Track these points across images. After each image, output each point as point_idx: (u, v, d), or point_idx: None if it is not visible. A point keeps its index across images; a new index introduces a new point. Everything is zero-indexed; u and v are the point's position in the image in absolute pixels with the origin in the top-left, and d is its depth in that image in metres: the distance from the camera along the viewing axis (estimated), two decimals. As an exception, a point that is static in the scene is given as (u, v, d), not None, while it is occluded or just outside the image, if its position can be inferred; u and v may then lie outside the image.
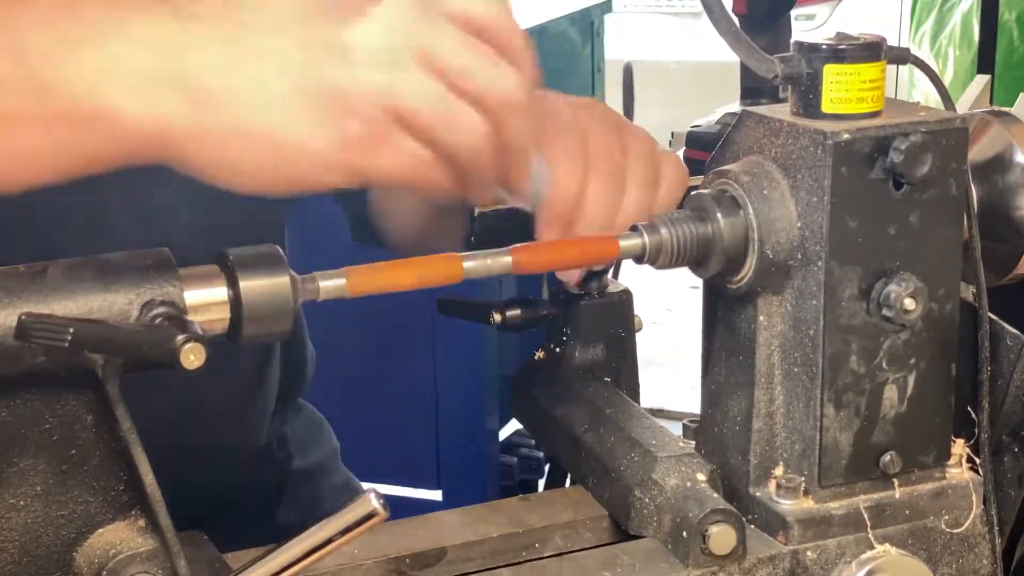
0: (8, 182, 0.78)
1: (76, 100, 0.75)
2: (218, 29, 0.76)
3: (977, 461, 0.86)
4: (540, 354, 1.01)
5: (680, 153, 2.58)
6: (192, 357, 0.70)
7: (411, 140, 0.77)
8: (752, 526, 0.84)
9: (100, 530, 0.76)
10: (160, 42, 0.75)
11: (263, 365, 1.20)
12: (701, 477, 0.84)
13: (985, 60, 3.08)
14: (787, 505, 0.83)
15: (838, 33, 0.82)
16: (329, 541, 0.73)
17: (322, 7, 0.76)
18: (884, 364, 0.83)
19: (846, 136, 0.79)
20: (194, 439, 1.10)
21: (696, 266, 0.84)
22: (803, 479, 0.84)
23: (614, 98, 4.03)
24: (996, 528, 0.87)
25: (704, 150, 2.36)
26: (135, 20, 0.76)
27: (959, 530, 0.85)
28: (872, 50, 0.81)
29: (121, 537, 0.76)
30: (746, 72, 2.40)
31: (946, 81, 3.44)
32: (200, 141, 0.76)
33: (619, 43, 4.68)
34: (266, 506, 1.25)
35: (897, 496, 0.85)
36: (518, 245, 0.82)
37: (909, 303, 0.81)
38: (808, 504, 0.83)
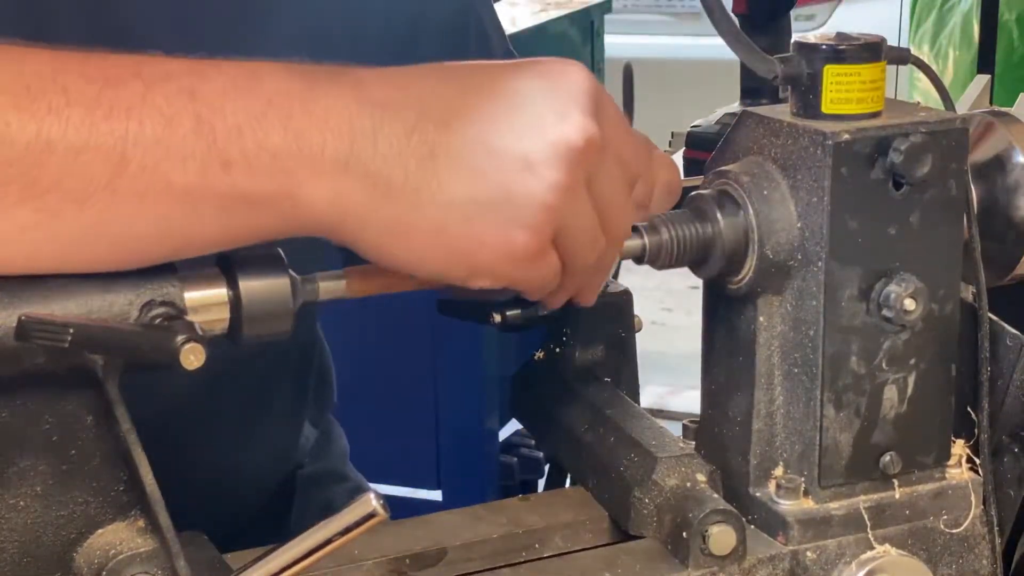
0: (167, 256, 0.75)
1: (257, 178, 0.72)
2: (403, 120, 0.74)
3: (977, 461, 0.86)
4: (540, 354, 1.01)
5: (680, 153, 2.58)
6: (192, 357, 0.70)
7: (556, 256, 0.78)
8: (752, 526, 0.84)
9: (100, 530, 0.76)
10: (345, 126, 0.73)
11: (275, 376, 1.20)
12: (701, 477, 0.84)
13: (985, 60, 3.08)
14: (787, 505, 0.83)
15: (838, 34, 0.82)
16: (329, 541, 0.73)
17: (509, 118, 0.76)
18: (884, 364, 0.83)
19: (846, 136, 0.79)
20: (203, 450, 1.10)
21: (696, 266, 0.84)
22: (803, 479, 0.84)
23: (614, 98, 4.02)
24: (996, 528, 0.87)
25: (704, 150, 2.36)
26: (318, 100, 0.74)
27: (959, 530, 0.85)
28: (872, 50, 0.81)
29: (121, 537, 0.76)
30: (746, 72, 2.40)
31: (946, 81, 3.44)
32: (372, 228, 0.75)
33: (619, 43, 4.68)
34: (276, 513, 1.24)
35: (897, 496, 0.85)
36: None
37: (909, 303, 0.81)
38: (808, 504, 0.83)
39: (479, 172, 0.74)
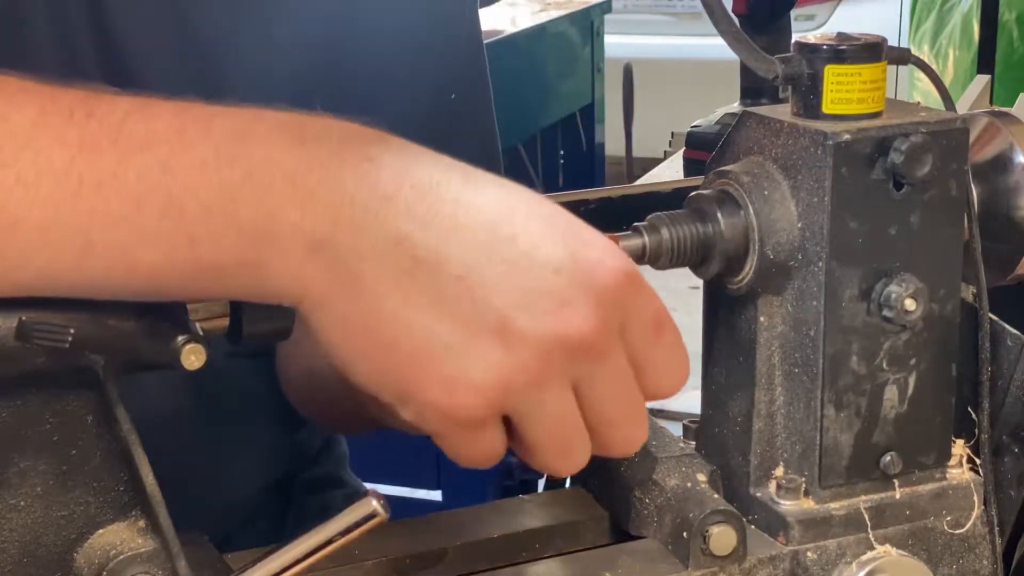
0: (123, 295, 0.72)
1: (222, 252, 0.69)
2: (400, 224, 0.69)
3: (977, 462, 0.87)
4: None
5: (680, 153, 2.58)
6: (193, 358, 0.70)
7: (500, 437, 0.72)
8: (752, 527, 0.84)
9: (100, 531, 0.76)
10: (333, 210, 0.68)
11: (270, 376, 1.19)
12: (702, 478, 0.84)
13: (985, 60, 3.09)
14: (787, 506, 0.83)
15: (839, 34, 0.82)
16: (330, 542, 0.73)
17: (510, 278, 0.69)
18: (884, 365, 0.83)
19: (847, 137, 0.79)
20: (201, 453, 1.10)
21: (696, 266, 0.84)
22: (803, 480, 0.84)
23: (614, 98, 4.03)
24: (996, 529, 0.87)
25: (704, 150, 2.36)
26: (312, 172, 0.69)
27: (960, 531, 0.85)
28: (873, 51, 0.81)
29: (121, 538, 0.76)
30: (746, 72, 2.40)
31: (946, 81, 3.44)
32: (325, 316, 0.70)
33: (619, 43, 4.68)
34: (273, 517, 1.24)
35: (897, 497, 0.85)
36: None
37: (910, 304, 0.81)
38: (808, 505, 0.83)
39: (451, 312, 0.69)
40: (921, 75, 2.38)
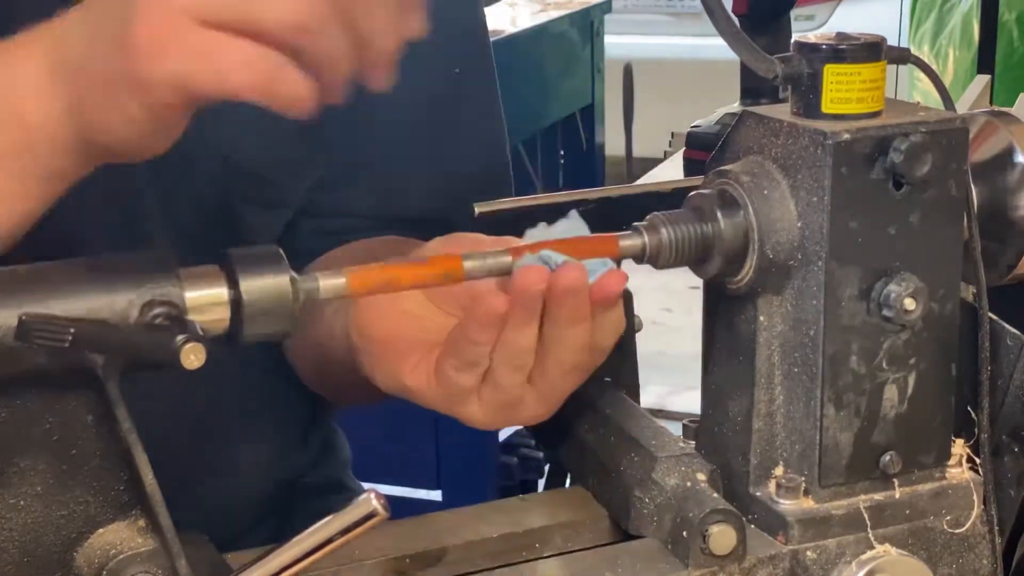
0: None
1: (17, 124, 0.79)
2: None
3: (977, 461, 0.87)
4: (541, 354, 1.00)
5: (680, 153, 2.58)
6: (192, 357, 0.70)
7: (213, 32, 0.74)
8: (752, 526, 0.84)
9: (100, 530, 0.76)
10: (44, 46, 0.80)
11: (271, 375, 1.19)
12: (701, 477, 0.84)
13: (985, 60, 3.09)
14: (787, 505, 0.83)
15: (838, 33, 0.82)
16: (329, 541, 0.73)
17: None
18: (884, 364, 0.83)
19: (846, 136, 0.79)
20: (203, 455, 1.10)
21: (696, 266, 0.84)
22: (803, 479, 0.84)
23: (614, 98, 4.04)
24: (996, 528, 0.87)
25: (704, 150, 2.36)
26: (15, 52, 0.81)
27: (960, 530, 0.85)
28: (872, 50, 0.81)
29: (121, 537, 0.76)
30: (746, 72, 2.40)
31: (946, 81, 3.44)
32: (91, 99, 0.78)
33: (619, 43, 4.68)
34: (274, 520, 1.24)
35: (897, 496, 0.85)
36: (520, 245, 0.82)
37: (909, 303, 0.81)
38: (808, 504, 0.83)
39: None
40: (921, 75, 2.38)
